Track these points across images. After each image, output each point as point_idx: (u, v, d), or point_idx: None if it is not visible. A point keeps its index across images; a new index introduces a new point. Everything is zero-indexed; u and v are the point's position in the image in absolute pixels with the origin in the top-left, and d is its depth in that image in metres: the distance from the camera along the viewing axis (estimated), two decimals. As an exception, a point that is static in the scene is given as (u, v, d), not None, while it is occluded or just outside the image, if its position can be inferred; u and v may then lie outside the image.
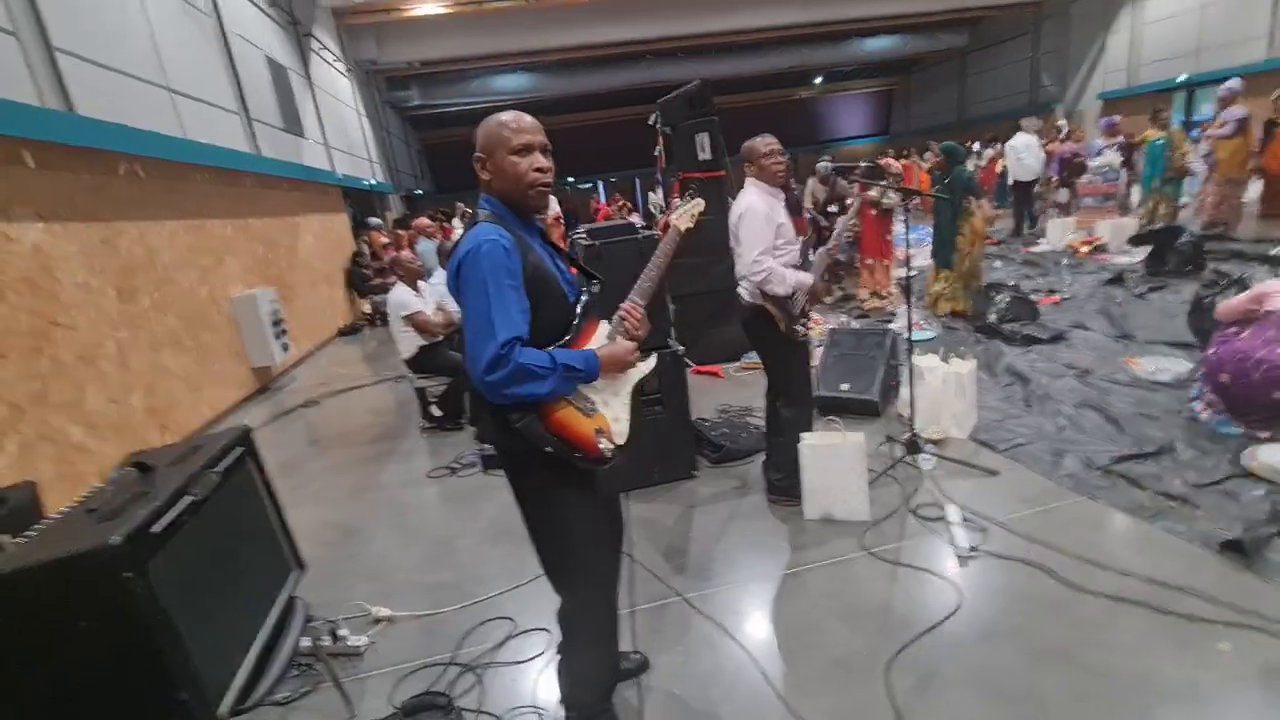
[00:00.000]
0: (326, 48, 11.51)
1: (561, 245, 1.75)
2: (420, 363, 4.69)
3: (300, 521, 3.39)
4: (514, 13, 14.22)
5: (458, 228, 10.33)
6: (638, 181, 24.64)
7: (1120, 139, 8.77)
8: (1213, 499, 2.59)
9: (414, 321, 4.57)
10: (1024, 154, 9.51)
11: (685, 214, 1.85)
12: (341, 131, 11.81)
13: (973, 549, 2.48)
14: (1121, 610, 2.10)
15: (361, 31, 13.64)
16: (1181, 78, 14.31)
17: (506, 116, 1.50)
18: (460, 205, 11.87)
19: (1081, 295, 5.89)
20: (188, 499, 1.55)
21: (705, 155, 5.10)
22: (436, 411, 4.77)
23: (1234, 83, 7.15)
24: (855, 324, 5.69)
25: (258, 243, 7.22)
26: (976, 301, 5.40)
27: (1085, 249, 7.51)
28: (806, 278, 2.69)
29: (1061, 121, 12.71)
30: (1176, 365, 3.89)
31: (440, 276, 5.35)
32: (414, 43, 14.53)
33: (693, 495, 3.29)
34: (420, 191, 18.76)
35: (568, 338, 1.53)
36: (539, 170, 1.49)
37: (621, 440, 1.58)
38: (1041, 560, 2.38)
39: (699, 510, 3.14)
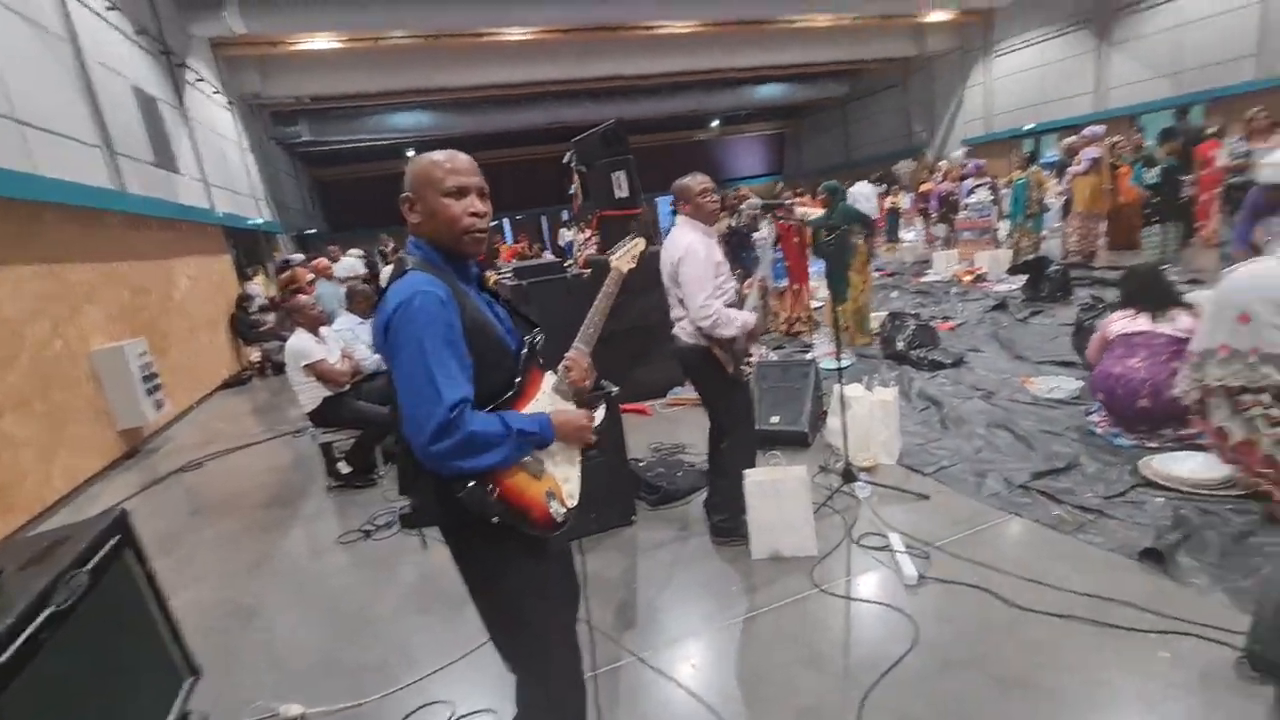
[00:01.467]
0: (204, 79, 10.73)
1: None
2: (324, 415, 4.30)
3: (186, 606, 2.95)
4: (412, 50, 13.96)
5: (342, 269, 9.53)
6: (544, 220, 24.68)
7: (988, 179, 9.72)
8: (1123, 509, 2.76)
9: (316, 371, 4.19)
10: (860, 200, 10.83)
11: (626, 254, 1.81)
12: (222, 168, 10.98)
13: (921, 577, 2.50)
14: (1066, 627, 2.16)
15: (243, 64, 12.88)
16: (1029, 126, 16.24)
17: (440, 156, 1.38)
18: (333, 248, 10.36)
19: (972, 321, 6.35)
20: (49, 611, 1.24)
21: (623, 193, 5.10)
22: (344, 468, 4.37)
23: (1096, 128, 8.15)
24: (774, 355, 5.82)
25: (125, 289, 6.46)
26: (880, 329, 5.71)
27: (969, 278, 8.18)
28: (750, 316, 2.67)
29: (951, 157, 13.82)
30: (1066, 383, 4.23)
31: (344, 321, 4.98)
32: (303, 77, 13.89)
33: (634, 542, 3.15)
34: (313, 230, 17.72)
35: (512, 393, 1.40)
36: (475, 214, 1.37)
37: (573, 501, 1.46)
38: (985, 582, 2.43)
39: (643, 558, 3.00)
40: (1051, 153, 15.47)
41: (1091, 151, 7.91)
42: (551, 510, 1.38)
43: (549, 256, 12.65)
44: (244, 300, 9.70)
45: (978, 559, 2.58)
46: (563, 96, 18.31)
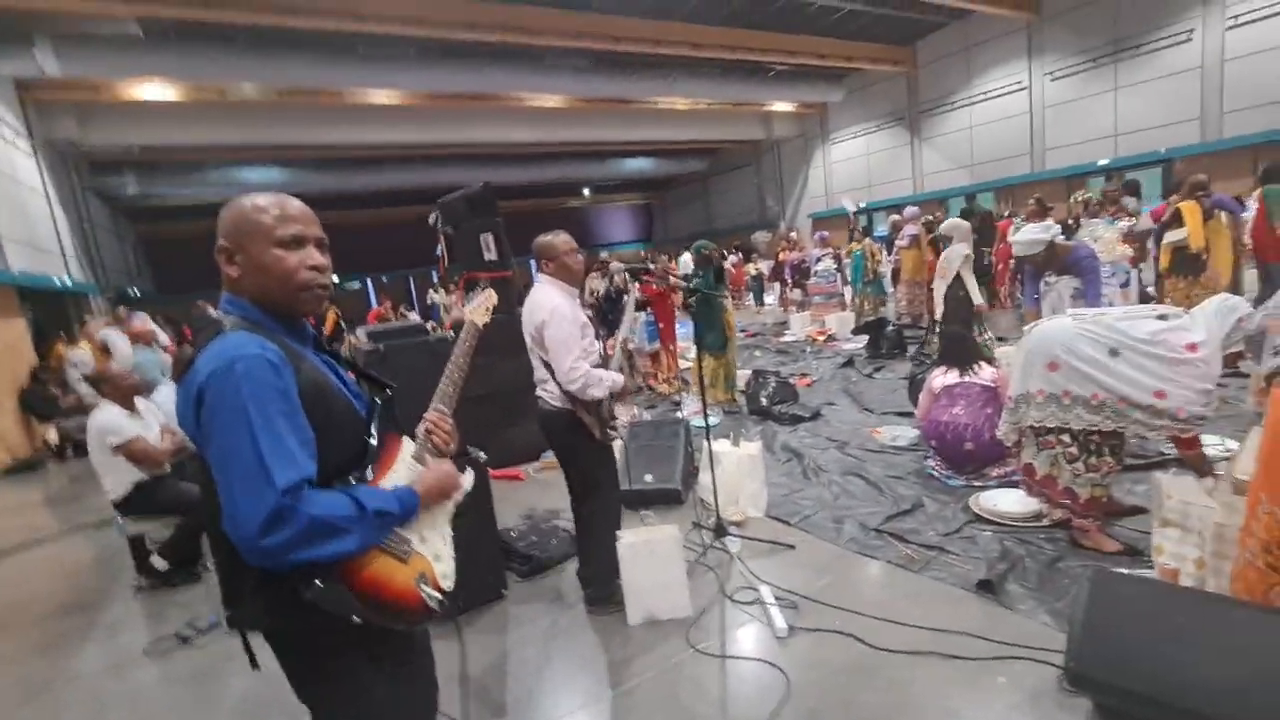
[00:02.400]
0: (3, 120, 9.44)
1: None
2: (137, 503, 3.69)
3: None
4: (263, 106, 13.24)
5: (120, 344, 7.10)
6: (411, 280, 23.84)
7: (831, 250, 10.80)
8: (959, 544, 3.03)
9: (129, 451, 3.61)
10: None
11: (479, 308, 1.76)
12: (21, 220, 9.57)
13: (790, 628, 2.55)
14: (919, 663, 2.28)
15: (56, 109, 11.51)
16: (862, 205, 18.39)
17: (265, 200, 1.21)
18: (125, 309, 8.52)
19: (826, 377, 6.87)
20: None
21: (491, 255, 5.06)
22: (160, 563, 3.75)
23: (914, 208, 9.39)
24: (647, 414, 5.90)
25: None
26: (748, 387, 6.00)
27: (821, 338, 8.91)
28: (619, 377, 2.67)
29: (781, 232, 15.28)
30: (906, 432, 4.65)
31: (168, 392, 4.40)
32: (131, 127, 12.65)
33: (505, 619, 2.95)
34: (136, 293, 15.74)
35: (367, 462, 1.24)
36: (315, 268, 1.22)
37: (449, 583, 1.29)
38: (848, 627, 2.52)
39: (514, 636, 2.82)
40: (882, 228, 17.60)
41: (911, 229, 9.09)
42: (425, 597, 1.21)
43: (414, 318, 12.16)
44: (38, 370, 8.33)
45: (841, 604, 2.68)
46: (434, 160, 18.15)
